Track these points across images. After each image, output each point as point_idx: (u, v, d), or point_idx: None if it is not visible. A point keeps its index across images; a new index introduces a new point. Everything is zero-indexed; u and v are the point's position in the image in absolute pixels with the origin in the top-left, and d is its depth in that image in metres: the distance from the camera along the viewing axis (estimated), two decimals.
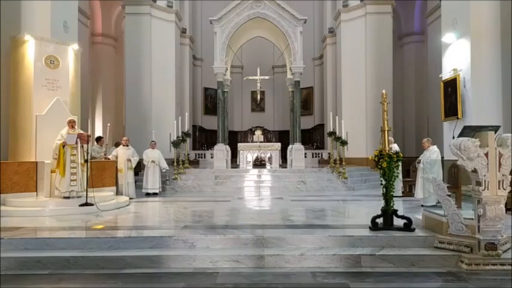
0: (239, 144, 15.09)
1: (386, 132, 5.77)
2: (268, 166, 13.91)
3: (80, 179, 7.95)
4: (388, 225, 5.51)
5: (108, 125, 11.28)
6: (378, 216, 5.57)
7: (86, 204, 7.55)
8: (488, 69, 9.21)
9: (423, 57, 16.78)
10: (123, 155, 9.91)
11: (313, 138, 20.80)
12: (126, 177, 9.76)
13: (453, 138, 6.96)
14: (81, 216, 6.93)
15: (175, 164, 11.98)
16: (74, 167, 7.92)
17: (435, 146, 8.29)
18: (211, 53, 14.50)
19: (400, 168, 6.03)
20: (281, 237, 5.25)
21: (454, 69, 9.78)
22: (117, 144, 11.35)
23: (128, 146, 10.14)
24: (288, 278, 4.38)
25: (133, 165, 9.99)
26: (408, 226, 5.40)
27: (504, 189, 4.75)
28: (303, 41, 13.71)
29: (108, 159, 9.87)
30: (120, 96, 17.51)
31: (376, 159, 5.68)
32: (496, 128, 5.18)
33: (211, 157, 15.40)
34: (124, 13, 15.87)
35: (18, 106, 8.78)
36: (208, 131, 20.82)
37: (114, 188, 9.43)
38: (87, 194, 7.65)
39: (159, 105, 15.80)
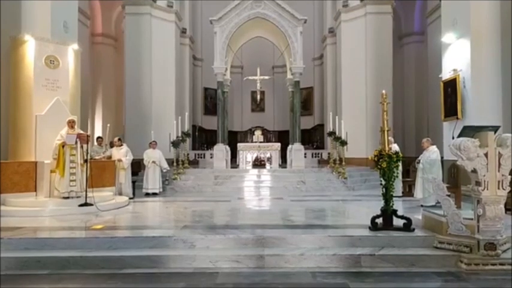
0: (239, 144, 15.08)
1: (386, 132, 5.77)
2: (268, 166, 13.91)
3: (80, 179, 7.94)
4: (388, 225, 5.51)
5: (108, 125, 11.29)
6: (378, 216, 5.57)
7: (86, 204, 7.54)
8: (488, 69, 9.20)
9: (423, 57, 16.76)
10: (116, 156, 9.85)
11: (313, 138, 20.80)
12: (119, 178, 9.60)
13: (453, 138, 6.96)
14: (80, 216, 6.93)
15: (175, 164, 11.98)
16: (74, 167, 7.91)
17: (435, 146, 8.30)
18: (211, 53, 14.49)
19: (399, 168, 6.03)
20: (281, 237, 5.25)
21: (454, 69, 9.78)
22: (111, 144, 11.35)
23: (121, 146, 10.05)
24: (288, 278, 4.38)
25: (126, 165, 9.72)
26: (408, 226, 5.40)
27: (504, 189, 4.75)
28: (303, 41, 13.71)
29: (109, 157, 9.89)
30: (120, 96, 17.50)
31: (376, 159, 5.68)
32: (495, 128, 5.18)
33: (211, 157, 15.39)
34: (124, 13, 15.86)
35: (18, 106, 8.78)
36: (208, 131, 20.80)
37: (114, 188, 9.42)
38: (86, 194, 7.65)
39: (159, 105, 15.79)
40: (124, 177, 9.72)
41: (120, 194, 9.46)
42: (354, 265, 4.73)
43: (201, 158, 17.78)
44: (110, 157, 9.93)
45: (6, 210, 7.24)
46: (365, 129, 15.34)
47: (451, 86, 9.83)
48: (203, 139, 20.80)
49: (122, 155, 9.82)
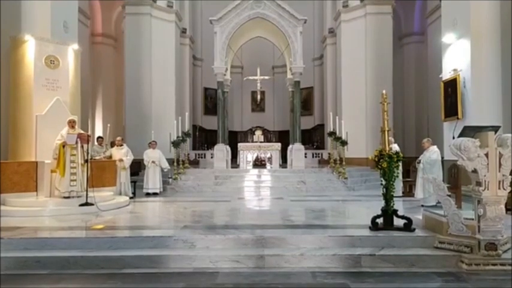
0: (239, 144, 15.07)
1: (386, 132, 5.76)
2: (268, 166, 13.90)
3: (80, 179, 7.95)
4: (388, 225, 5.51)
5: (108, 125, 11.28)
6: (378, 216, 5.57)
7: (86, 204, 7.54)
8: (488, 69, 9.20)
9: (423, 57, 16.77)
10: (116, 156, 9.84)
11: (313, 138, 20.79)
12: (119, 178, 9.62)
13: (453, 138, 6.97)
14: (81, 216, 6.93)
15: (175, 164, 11.97)
16: (74, 167, 7.92)
17: (435, 146, 8.29)
18: (211, 53, 14.50)
19: (400, 168, 6.02)
20: (281, 237, 5.25)
21: (454, 70, 9.78)
22: (112, 144, 11.35)
23: (121, 145, 10.06)
24: (288, 278, 4.38)
25: (127, 165, 9.77)
26: (408, 226, 5.40)
27: (504, 189, 4.75)
28: (303, 41, 13.70)
29: (109, 157, 9.89)
30: (120, 96, 17.50)
31: (376, 159, 5.67)
32: (496, 128, 5.18)
33: (211, 157, 15.38)
34: (124, 13, 15.87)
35: (19, 106, 8.78)
36: (208, 131, 20.81)
37: (114, 187, 9.42)
38: (87, 194, 7.64)
39: (159, 105, 15.78)
40: (125, 177, 9.73)
41: (121, 193, 9.47)
42: (354, 265, 4.72)
43: (202, 158, 17.78)
44: (110, 157, 9.93)
45: (7, 210, 7.24)
46: (365, 129, 15.34)
47: (451, 86, 9.83)
48: (203, 139, 20.79)
49: (123, 155, 9.81)
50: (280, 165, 14.23)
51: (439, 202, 5.46)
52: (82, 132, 8.30)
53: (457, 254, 4.79)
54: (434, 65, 13.34)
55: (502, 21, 9.19)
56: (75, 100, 9.57)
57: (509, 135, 4.87)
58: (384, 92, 5.93)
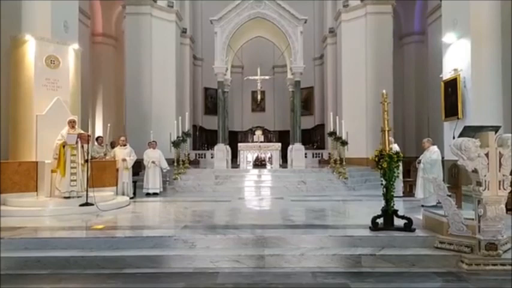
0: (239, 144, 15.08)
1: (386, 132, 5.76)
2: (268, 166, 13.90)
3: (80, 179, 7.95)
4: (389, 225, 5.51)
5: (109, 125, 11.28)
6: (378, 216, 5.57)
7: (86, 204, 7.55)
8: (488, 69, 9.19)
9: (423, 57, 16.77)
10: (119, 155, 9.85)
11: (314, 138, 20.78)
12: (122, 177, 9.65)
13: (453, 138, 6.97)
14: (81, 216, 6.94)
15: (175, 164, 11.97)
16: (74, 167, 7.93)
17: (435, 146, 8.29)
18: (211, 53, 14.50)
19: (400, 168, 6.02)
20: (281, 237, 5.25)
21: (455, 69, 9.78)
22: (112, 144, 11.33)
23: (125, 145, 10.07)
24: (288, 278, 4.38)
25: (130, 165, 9.81)
26: (408, 226, 5.40)
27: (504, 189, 4.75)
28: (304, 41, 13.72)
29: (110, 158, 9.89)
30: (120, 96, 17.50)
31: (377, 159, 5.67)
32: (496, 128, 5.18)
33: (212, 157, 15.38)
34: (124, 13, 15.86)
35: (19, 106, 8.78)
36: (209, 131, 20.80)
37: (115, 187, 9.42)
38: (87, 194, 7.64)
39: (159, 105, 15.77)
40: (127, 177, 9.74)
41: (123, 193, 9.48)
42: (355, 265, 4.73)
43: (202, 158, 17.76)
44: (113, 157, 9.92)
45: (7, 210, 7.24)
46: (365, 129, 15.32)
47: (451, 85, 9.82)
48: (204, 139, 20.79)
49: (126, 154, 9.83)
50: (280, 165, 14.23)
51: (439, 202, 5.47)
52: (82, 132, 8.31)
53: (457, 254, 4.79)
54: (435, 64, 13.32)
55: (502, 21, 9.18)
56: (76, 100, 9.57)
57: (510, 135, 4.87)
58: (384, 91, 5.92)
